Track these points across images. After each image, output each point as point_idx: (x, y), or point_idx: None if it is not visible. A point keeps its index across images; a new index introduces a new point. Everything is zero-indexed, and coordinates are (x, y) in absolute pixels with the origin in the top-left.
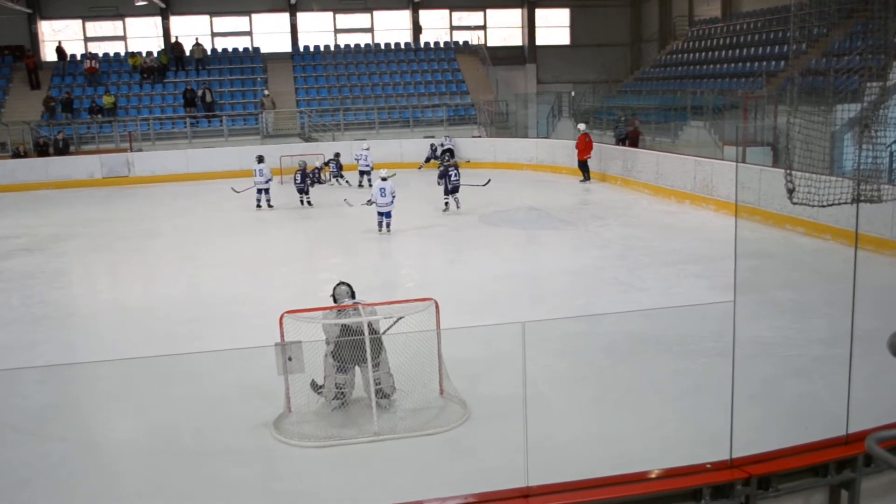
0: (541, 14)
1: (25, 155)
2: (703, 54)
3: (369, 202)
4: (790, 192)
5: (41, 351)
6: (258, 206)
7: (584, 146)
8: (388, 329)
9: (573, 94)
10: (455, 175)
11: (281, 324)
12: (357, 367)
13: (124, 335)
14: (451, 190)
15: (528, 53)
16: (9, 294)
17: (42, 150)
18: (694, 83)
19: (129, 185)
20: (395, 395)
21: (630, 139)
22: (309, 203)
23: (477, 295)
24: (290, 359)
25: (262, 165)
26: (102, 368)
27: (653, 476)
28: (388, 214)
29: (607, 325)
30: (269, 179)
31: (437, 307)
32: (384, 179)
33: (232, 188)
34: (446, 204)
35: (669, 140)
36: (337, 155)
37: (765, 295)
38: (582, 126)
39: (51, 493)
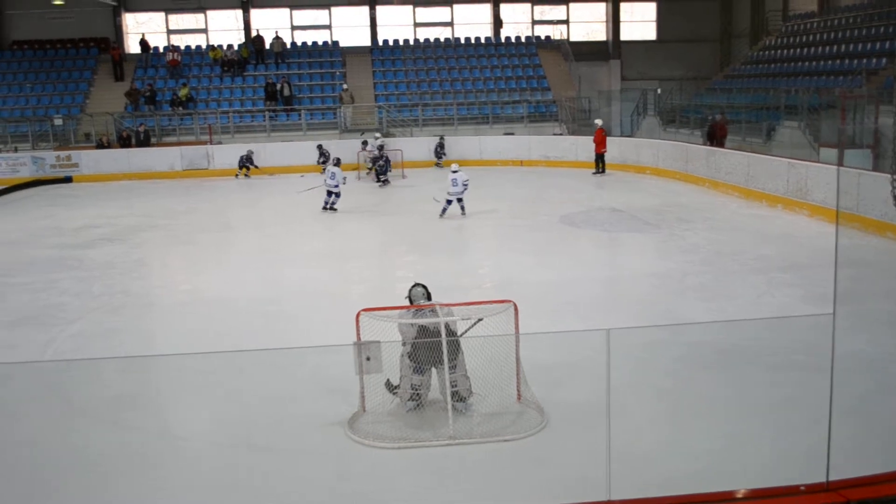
0: (626, 8)
1: (109, 146)
2: (798, 51)
3: (448, 194)
4: None
5: (121, 340)
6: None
7: (601, 140)
8: (466, 331)
9: (659, 91)
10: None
11: (357, 321)
12: (433, 369)
13: (201, 326)
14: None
15: (612, 49)
16: (90, 283)
17: (125, 142)
18: (788, 81)
19: (209, 177)
20: (472, 399)
21: (717, 139)
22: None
23: (556, 297)
24: (367, 358)
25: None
26: (180, 360)
27: (740, 496)
28: (459, 200)
29: (692, 335)
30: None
31: (515, 309)
32: (455, 172)
33: (434, 198)
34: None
35: (760, 141)
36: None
37: (863, 306)
38: (599, 121)
39: (127, 482)
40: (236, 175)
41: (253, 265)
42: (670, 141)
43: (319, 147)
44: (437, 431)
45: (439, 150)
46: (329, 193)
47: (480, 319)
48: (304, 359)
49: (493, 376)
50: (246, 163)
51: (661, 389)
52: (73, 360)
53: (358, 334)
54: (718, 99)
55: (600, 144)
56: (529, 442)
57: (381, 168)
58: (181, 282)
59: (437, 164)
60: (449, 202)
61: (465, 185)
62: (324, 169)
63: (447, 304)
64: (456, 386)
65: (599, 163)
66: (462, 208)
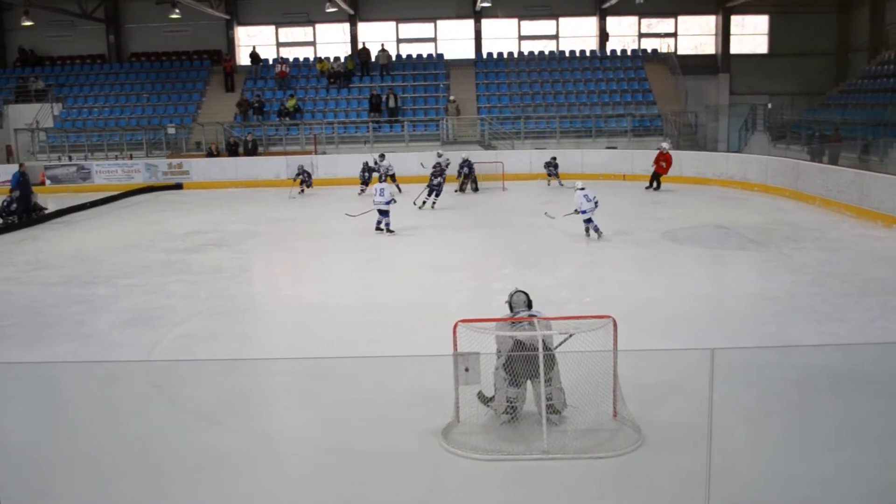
0: (736, 21)
1: (218, 154)
2: None
3: (576, 212)
4: None
5: (224, 342)
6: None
7: (669, 163)
8: (559, 345)
9: (769, 106)
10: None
11: (455, 332)
12: (528, 382)
13: (301, 332)
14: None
15: (720, 62)
16: (197, 286)
17: (233, 150)
18: None
19: (313, 186)
20: (566, 412)
21: (830, 154)
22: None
23: (656, 315)
24: (466, 369)
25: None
26: (280, 364)
27: None
28: (590, 220)
29: (800, 357)
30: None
31: (614, 325)
32: (582, 189)
33: (546, 213)
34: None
35: (877, 158)
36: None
37: None
38: (665, 144)
39: (226, 480)
40: (301, 191)
41: (352, 274)
42: (780, 157)
43: (365, 164)
44: (530, 445)
45: (552, 169)
46: (381, 213)
47: (571, 335)
48: (402, 367)
49: (589, 392)
50: (306, 177)
51: (764, 413)
52: (179, 361)
53: (455, 345)
54: (833, 114)
55: (668, 166)
56: (624, 460)
57: (434, 187)
58: (283, 288)
59: (559, 182)
60: (589, 221)
61: (596, 202)
62: (363, 184)
63: (546, 318)
64: (551, 399)
65: (655, 180)
66: (596, 228)
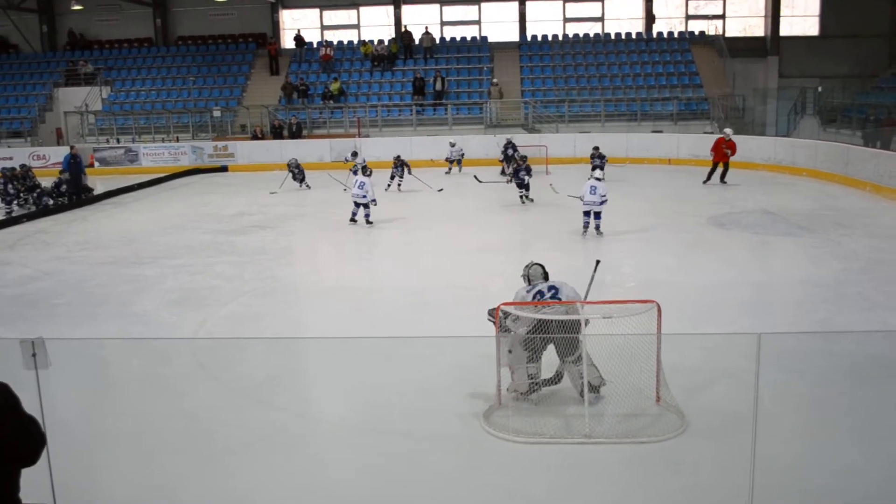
0: (787, 2)
1: (263, 137)
2: None
3: (580, 198)
4: None
5: (268, 323)
6: None
7: (733, 149)
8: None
9: (820, 89)
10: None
11: (497, 315)
12: (564, 364)
13: (344, 312)
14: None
15: (770, 44)
16: (242, 267)
17: (277, 133)
18: None
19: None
20: (604, 390)
21: (883, 139)
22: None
23: (700, 300)
24: (510, 351)
25: (591, 184)
26: (322, 344)
27: None
28: (597, 215)
29: (847, 345)
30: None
31: (658, 310)
32: (598, 179)
33: (550, 185)
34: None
35: None
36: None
37: None
38: (729, 130)
39: (267, 458)
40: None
41: (396, 256)
42: (830, 142)
43: (355, 155)
44: (572, 429)
45: (597, 161)
46: (357, 205)
47: (586, 324)
48: (443, 348)
49: (633, 377)
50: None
51: (810, 400)
52: (225, 339)
53: (497, 327)
54: (885, 98)
55: (732, 153)
56: (668, 445)
57: (520, 181)
58: (325, 269)
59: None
60: (586, 214)
61: (604, 198)
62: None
63: (589, 302)
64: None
65: (724, 170)
66: (598, 227)
